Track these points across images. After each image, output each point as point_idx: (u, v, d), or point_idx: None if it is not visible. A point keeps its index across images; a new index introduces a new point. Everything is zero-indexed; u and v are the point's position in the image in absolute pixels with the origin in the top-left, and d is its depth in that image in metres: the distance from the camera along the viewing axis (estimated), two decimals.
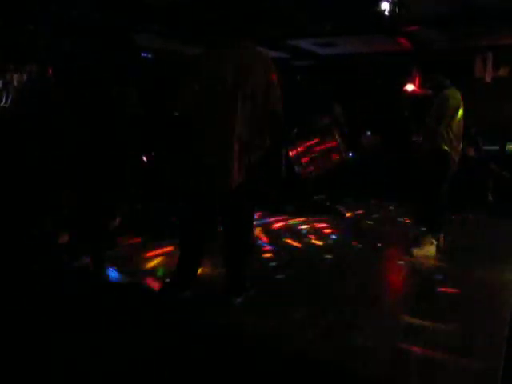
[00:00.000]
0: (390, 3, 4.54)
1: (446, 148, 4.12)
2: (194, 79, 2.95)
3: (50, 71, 4.62)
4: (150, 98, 4.61)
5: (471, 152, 6.92)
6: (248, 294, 3.10)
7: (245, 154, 2.85)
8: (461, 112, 4.18)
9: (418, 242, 4.35)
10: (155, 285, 3.39)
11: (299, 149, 6.08)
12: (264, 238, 4.86)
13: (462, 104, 4.18)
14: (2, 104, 4.53)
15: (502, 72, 6.90)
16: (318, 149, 6.04)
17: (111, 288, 3.44)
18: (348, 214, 6.21)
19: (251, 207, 3.12)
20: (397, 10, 4.62)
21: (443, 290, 3.51)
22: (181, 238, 3.13)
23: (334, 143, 6.02)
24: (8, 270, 3.43)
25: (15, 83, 4.71)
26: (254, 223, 3.50)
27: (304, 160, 6.05)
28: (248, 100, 2.80)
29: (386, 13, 4.56)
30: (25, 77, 4.68)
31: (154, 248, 4.26)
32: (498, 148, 7.02)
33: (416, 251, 4.27)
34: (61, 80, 4.04)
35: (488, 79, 6.64)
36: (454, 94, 4.15)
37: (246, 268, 3.10)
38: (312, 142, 6.08)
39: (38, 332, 2.62)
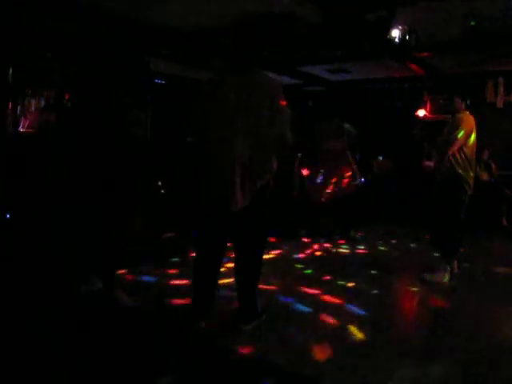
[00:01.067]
0: (401, 30, 4.61)
1: (460, 172, 4.09)
2: (202, 105, 2.99)
3: (67, 96, 4.74)
4: (163, 123, 4.69)
5: (485, 177, 6.89)
6: (260, 321, 3.08)
7: (249, 179, 2.85)
8: (474, 136, 4.16)
9: (432, 269, 4.29)
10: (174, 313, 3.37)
11: (312, 169, 6.13)
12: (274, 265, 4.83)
13: (475, 128, 4.16)
14: (20, 129, 4.63)
15: None
16: (332, 174, 6.06)
17: (124, 313, 3.43)
18: (361, 239, 6.18)
19: (263, 233, 3.10)
20: (407, 37, 4.68)
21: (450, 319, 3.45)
22: (195, 264, 3.12)
23: (349, 169, 6.03)
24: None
25: (33, 108, 4.82)
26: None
27: (318, 181, 6.07)
28: (253, 126, 2.82)
29: (397, 40, 4.62)
30: (42, 102, 4.79)
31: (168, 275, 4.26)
32: (511, 173, 6.97)
33: (429, 277, 4.21)
34: (79, 104, 4.11)
35: (499, 104, 6.64)
36: (467, 118, 4.13)
37: (256, 294, 3.08)
38: (326, 168, 6.10)
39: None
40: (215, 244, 3.04)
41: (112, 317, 3.30)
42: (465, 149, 4.09)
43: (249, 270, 3.05)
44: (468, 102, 4.21)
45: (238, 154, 2.82)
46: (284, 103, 2.91)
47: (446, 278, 4.22)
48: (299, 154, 6.29)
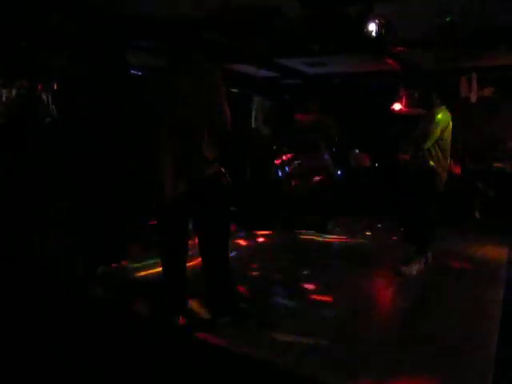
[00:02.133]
0: (377, 25, 4.62)
1: (433, 165, 4.16)
2: (155, 94, 2.99)
3: (40, 87, 4.62)
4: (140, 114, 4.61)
5: (457, 170, 7.01)
6: (236, 317, 3.07)
7: (184, 168, 2.83)
8: (449, 131, 4.23)
9: (407, 260, 4.36)
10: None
11: (284, 157, 6.12)
12: (249, 256, 4.84)
13: (450, 123, 4.23)
14: None
15: (487, 92, 7.04)
16: (306, 166, 6.08)
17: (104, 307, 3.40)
18: (335, 232, 6.24)
19: (222, 224, 3.04)
20: (383, 31, 4.70)
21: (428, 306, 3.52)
22: (161, 259, 3.10)
23: (323, 161, 6.06)
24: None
25: (3, 98, 4.69)
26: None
27: (290, 168, 6.08)
28: (185, 112, 2.80)
29: (373, 34, 4.63)
30: (14, 92, 4.66)
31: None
32: (484, 167, 7.11)
33: (404, 269, 4.28)
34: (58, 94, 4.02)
35: (473, 99, 6.76)
36: (443, 113, 4.20)
37: (226, 287, 3.05)
38: (300, 159, 6.11)
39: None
40: (172, 236, 3.03)
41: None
42: (440, 142, 4.16)
43: (213, 260, 3.01)
44: (442, 97, 4.28)
45: (171, 143, 2.82)
46: (220, 93, 2.85)
47: (420, 269, 4.31)
48: (274, 147, 6.30)
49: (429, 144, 4.13)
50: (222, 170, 2.93)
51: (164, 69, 3.09)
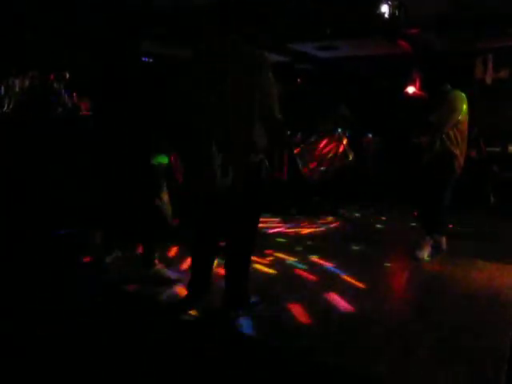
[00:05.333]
0: (390, 6, 4.56)
1: (454, 150, 4.12)
2: (183, 82, 2.92)
3: (52, 77, 4.65)
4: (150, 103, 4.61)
5: (473, 154, 6.92)
6: (253, 310, 3.03)
7: (231, 156, 2.75)
8: (465, 114, 4.17)
9: (419, 245, 4.35)
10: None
11: (304, 146, 6.09)
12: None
13: (466, 106, 4.17)
14: (4, 109, 4.54)
15: (503, 74, 6.91)
16: (323, 151, 6.04)
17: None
18: (350, 217, 6.23)
19: (253, 214, 2.98)
20: (396, 12, 4.63)
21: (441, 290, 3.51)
22: (191, 248, 3.11)
23: (340, 146, 6.01)
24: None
25: (17, 89, 4.72)
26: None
27: (309, 158, 6.04)
28: (233, 99, 2.71)
29: (386, 16, 4.57)
30: (27, 82, 4.69)
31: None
32: (499, 149, 7.01)
33: (419, 254, 4.27)
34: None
35: (488, 81, 6.65)
36: (460, 96, 4.14)
37: (245, 280, 3.00)
38: (318, 145, 6.08)
39: None
40: (206, 228, 3.01)
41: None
42: (459, 126, 4.11)
43: (235, 255, 2.97)
44: (457, 80, 4.22)
45: (216, 130, 2.74)
46: (270, 78, 2.75)
47: (432, 254, 4.31)
48: (299, 135, 6.27)
49: (448, 128, 4.09)
50: (265, 160, 2.88)
51: (190, 57, 3.01)
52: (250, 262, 3.05)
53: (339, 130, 6.03)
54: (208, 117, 2.77)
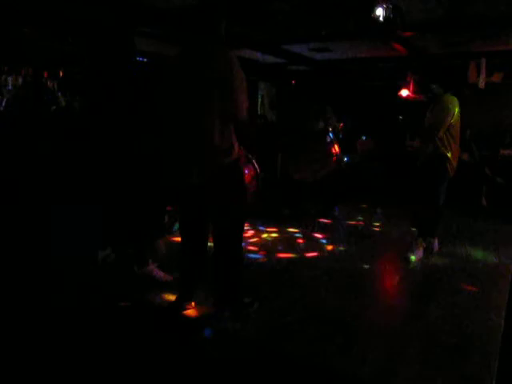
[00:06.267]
0: (385, 9, 4.56)
1: (446, 153, 4.17)
2: (166, 80, 2.92)
3: (46, 74, 4.61)
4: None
5: (465, 157, 6.96)
6: (247, 311, 3.05)
7: (197, 156, 2.77)
8: (458, 117, 4.22)
9: (411, 247, 4.37)
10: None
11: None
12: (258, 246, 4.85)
13: (459, 109, 4.21)
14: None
15: (495, 78, 6.94)
16: (314, 153, 6.04)
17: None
18: (343, 219, 6.23)
19: (233, 217, 2.94)
20: (391, 16, 4.64)
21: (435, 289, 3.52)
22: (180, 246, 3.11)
23: (331, 148, 6.03)
24: None
25: (10, 86, 4.68)
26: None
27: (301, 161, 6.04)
28: (206, 99, 2.69)
29: (381, 19, 4.58)
30: (20, 80, 4.65)
31: None
32: (491, 153, 7.06)
33: (411, 256, 4.29)
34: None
35: (481, 85, 6.68)
36: (452, 100, 4.19)
37: (235, 279, 3.00)
38: (309, 146, 6.08)
39: None
40: (189, 223, 3.02)
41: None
42: (451, 130, 4.16)
43: (222, 252, 2.96)
44: (450, 83, 4.27)
45: (183, 131, 2.79)
46: (240, 74, 2.70)
47: (424, 256, 4.33)
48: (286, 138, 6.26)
49: (442, 131, 4.13)
50: (250, 156, 2.86)
51: (172, 56, 3.00)
52: (239, 262, 3.04)
53: (331, 135, 6.03)
54: (178, 117, 2.81)
